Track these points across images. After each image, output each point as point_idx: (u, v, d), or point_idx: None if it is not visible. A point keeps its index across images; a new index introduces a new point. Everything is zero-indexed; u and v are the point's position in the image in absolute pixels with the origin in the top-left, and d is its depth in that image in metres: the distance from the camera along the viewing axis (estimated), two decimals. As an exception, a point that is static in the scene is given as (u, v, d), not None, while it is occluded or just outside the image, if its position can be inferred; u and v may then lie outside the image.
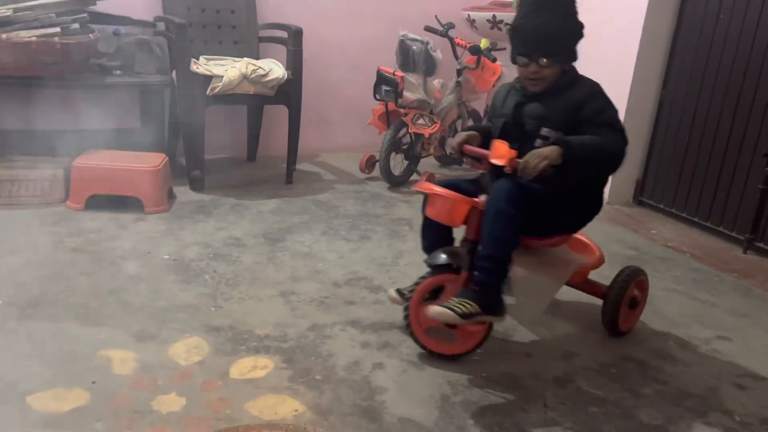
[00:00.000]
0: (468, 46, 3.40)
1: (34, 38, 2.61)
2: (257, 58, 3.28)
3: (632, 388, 1.75)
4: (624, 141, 1.73)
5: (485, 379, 1.73)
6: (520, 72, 1.80)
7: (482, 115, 3.91)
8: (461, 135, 1.82)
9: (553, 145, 1.63)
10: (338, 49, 3.82)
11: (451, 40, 3.43)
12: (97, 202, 2.69)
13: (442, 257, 1.78)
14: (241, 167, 3.56)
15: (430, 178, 3.32)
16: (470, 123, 3.86)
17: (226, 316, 1.95)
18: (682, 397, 1.73)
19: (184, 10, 3.21)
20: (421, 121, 3.27)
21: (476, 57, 3.41)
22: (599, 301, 2.01)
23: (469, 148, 1.79)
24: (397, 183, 3.38)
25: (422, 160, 3.50)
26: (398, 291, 1.92)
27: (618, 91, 3.25)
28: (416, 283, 1.82)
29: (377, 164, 3.39)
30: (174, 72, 3.05)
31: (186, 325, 1.88)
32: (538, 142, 1.69)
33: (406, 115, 3.29)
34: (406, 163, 3.44)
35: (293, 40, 3.14)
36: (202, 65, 2.95)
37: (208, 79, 2.90)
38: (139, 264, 2.25)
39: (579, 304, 2.17)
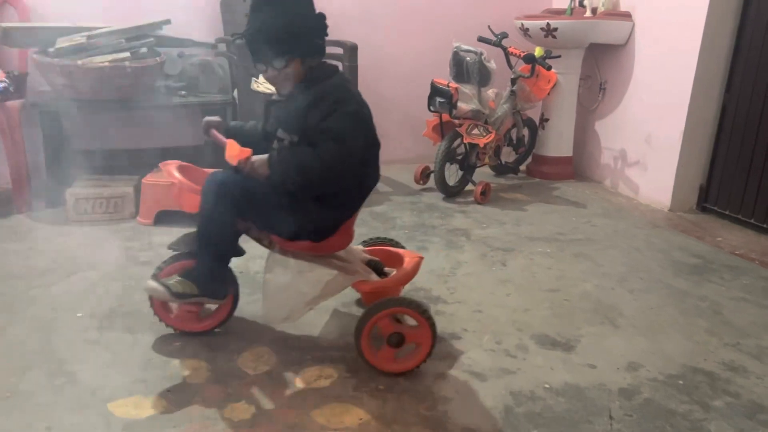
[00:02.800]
0: (522, 54, 3.40)
1: (106, 63, 2.77)
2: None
3: (702, 400, 1.71)
4: (345, 154, 1.59)
5: (548, 391, 1.72)
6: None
7: (537, 123, 3.89)
8: (214, 118, 1.83)
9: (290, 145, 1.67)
10: (392, 62, 3.88)
11: (504, 49, 3.44)
12: (166, 218, 2.82)
13: (180, 244, 1.86)
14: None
15: (486, 188, 3.32)
16: (525, 132, 3.86)
17: (291, 327, 2.00)
18: (755, 410, 1.67)
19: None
20: (475, 131, 3.28)
21: (530, 65, 3.40)
22: (667, 311, 1.97)
23: (214, 133, 1.77)
24: (452, 193, 3.40)
25: (477, 170, 3.51)
26: (161, 282, 1.78)
27: (679, 96, 3.19)
28: (159, 268, 1.86)
29: (432, 175, 3.42)
30: (235, 91, 3.16)
31: (254, 335, 1.95)
32: (275, 143, 1.74)
33: (460, 125, 3.31)
34: (460, 173, 3.46)
35: (349, 56, 3.21)
36: (262, 84, 3.05)
37: (267, 96, 3.00)
38: (207, 276, 2.34)
39: (647, 313, 2.14)
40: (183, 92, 3.12)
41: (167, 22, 3.03)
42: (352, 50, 3.20)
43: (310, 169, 1.60)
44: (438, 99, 3.25)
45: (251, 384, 1.70)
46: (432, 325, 1.74)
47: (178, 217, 2.80)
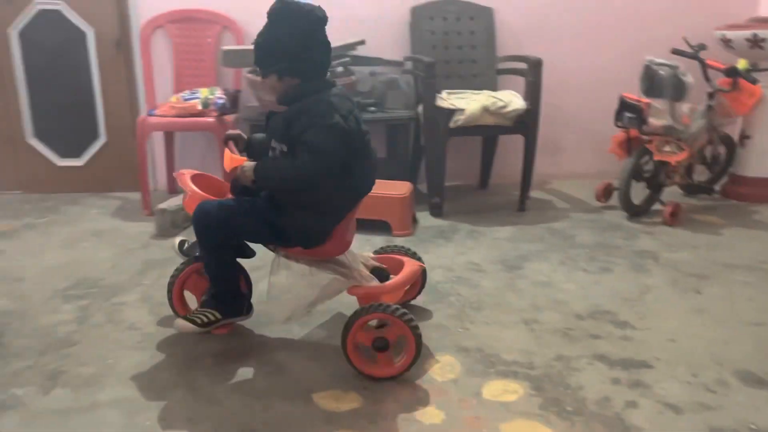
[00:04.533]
0: (723, 67, 3.16)
1: (308, 82, 3.02)
2: (495, 90, 3.41)
3: None
4: (320, 166, 1.70)
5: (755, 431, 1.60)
6: None
7: (737, 140, 3.59)
8: (234, 132, 1.98)
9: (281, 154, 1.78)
10: (574, 76, 3.80)
11: (702, 62, 3.22)
12: (352, 225, 3.01)
13: (192, 249, 2.11)
14: (474, 194, 3.70)
15: (676, 209, 3.13)
16: (721, 149, 3.58)
17: (473, 338, 2.06)
18: None
19: (429, 49, 3.47)
20: (667, 148, 3.11)
21: (732, 79, 3.16)
22: None
23: (229, 144, 1.93)
24: (637, 213, 3.24)
25: (666, 189, 3.32)
26: (188, 319, 1.93)
27: None
28: (174, 276, 2.05)
29: (614, 193, 3.29)
30: (419, 106, 3.30)
31: (438, 343, 2.03)
32: (270, 152, 1.83)
33: (649, 142, 3.15)
34: (647, 192, 3.29)
35: (532, 71, 3.21)
36: (446, 99, 3.15)
37: (451, 112, 3.10)
38: (392, 283, 2.47)
39: None
40: (372, 108, 3.32)
41: (362, 42, 3.24)
42: (536, 65, 3.19)
43: (288, 179, 1.75)
44: (627, 114, 3.13)
45: (439, 390, 1.77)
46: (401, 316, 1.78)
47: (361, 224, 2.96)
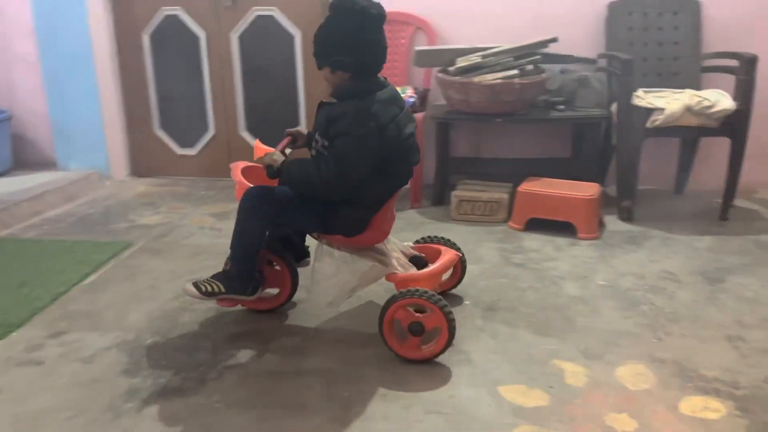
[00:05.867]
0: None
1: (498, 81, 3.05)
2: (698, 89, 3.17)
3: None
4: (342, 173, 1.79)
5: None
6: None
7: None
8: (293, 129, 2.08)
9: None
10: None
11: None
12: (534, 224, 2.98)
13: None
14: (668, 199, 3.47)
15: None
16: None
17: (668, 350, 1.95)
18: None
19: (626, 46, 3.31)
20: None
21: None
22: None
23: (287, 140, 2.04)
24: None
25: None
26: (195, 284, 2.01)
27: None
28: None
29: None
30: (613, 105, 3.17)
31: (629, 351, 1.95)
32: (313, 143, 1.91)
33: None
34: None
35: (745, 69, 2.93)
36: (644, 98, 2.99)
37: (648, 111, 2.94)
38: (577, 286, 2.42)
39: None
40: (561, 107, 3.25)
41: (554, 40, 3.19)
42: (749, 62, 2.91)
43: (309, 181, 1.84)
44: None
45: (631, 399, 1.71)
46: (442, 308, 1.85)
47: (545, 225, 2.95)
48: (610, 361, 1.90)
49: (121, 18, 3.79)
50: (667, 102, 2.93)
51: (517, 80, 3.05)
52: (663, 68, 3.36)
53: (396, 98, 1.90)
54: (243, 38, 3.76)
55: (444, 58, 3.29)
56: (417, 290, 1.89)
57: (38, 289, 2.42)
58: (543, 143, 3.63)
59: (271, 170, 1.90)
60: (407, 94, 3.31)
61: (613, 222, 3.10)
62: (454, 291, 2.35)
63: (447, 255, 2.16)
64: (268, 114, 3.86)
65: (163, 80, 3.90)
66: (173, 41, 3.82)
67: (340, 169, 1.79)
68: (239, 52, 3.78)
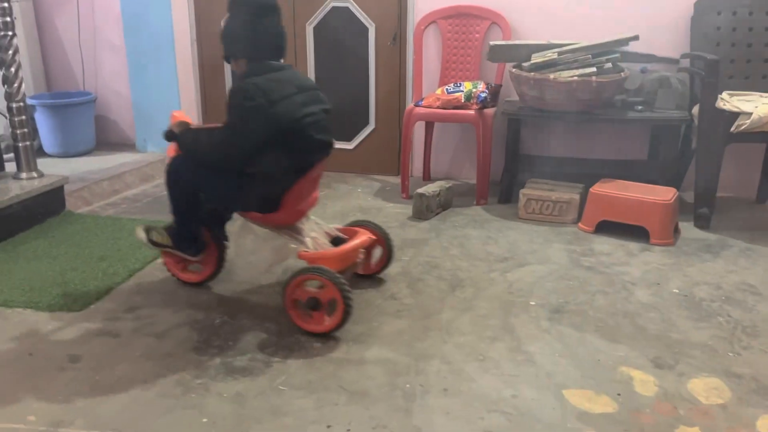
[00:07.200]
0: None
1: (575, 78, 2.97)
2: (790, 93, 3.00)
3: None
4: (219, 140, 1.97)
5: None
6: None
7: None
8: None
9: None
10: None
11: None
12: (606, 227, 2.90)
13: None
14: (749, 209, 3.30)
15: None
16: None
17: (746, 364, 1.87)
18: None
19: (713, 46, 3.17)
20: None
21: None
22: None
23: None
24: None
25: None
26: (146, 230, 2.27)
27: None
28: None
29: None
30: (694, 108, 3.04)
31: (703, 363, 1.88)
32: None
33: None
34: None
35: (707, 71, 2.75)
36: (729, 101, 2.85)
37: (733, 115, 2.80)
38: (649, 293, 2.34)
39: None
40: (639, 107, 3.14)
41: (635, 38, 3.08)
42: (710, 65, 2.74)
43: (201, 145, 2.02)
44: None
45: (705, 413, 1.65)
46: (334, 280, 1.95)
47: (617, 229, 2.86)
48: (683, 372, 1.83)
49: (201, 8, 3.90)
50: (755, 106, 2.78)
51: (594, 78, 2.97)
52: (751, 70, 3.19)
53: (292, 80, 2.04)
54: (317, 30, 3.80)
55: (519, 54, 3.23)
56: (312, 267, 2.02)
57: (116, 265, 2.53)
58: (618, 144, 3.52)
59: (168, 134, 2.09)
60: (479, 89, 3.28)
61: (688, 229, 2.97)
62: (523, 290, 2.33)
63: (360, 237, 2.25)
64: (339, 106, 3.89)
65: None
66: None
67: (225, 137, 1.96)
68: (313, 44, 3.82)
